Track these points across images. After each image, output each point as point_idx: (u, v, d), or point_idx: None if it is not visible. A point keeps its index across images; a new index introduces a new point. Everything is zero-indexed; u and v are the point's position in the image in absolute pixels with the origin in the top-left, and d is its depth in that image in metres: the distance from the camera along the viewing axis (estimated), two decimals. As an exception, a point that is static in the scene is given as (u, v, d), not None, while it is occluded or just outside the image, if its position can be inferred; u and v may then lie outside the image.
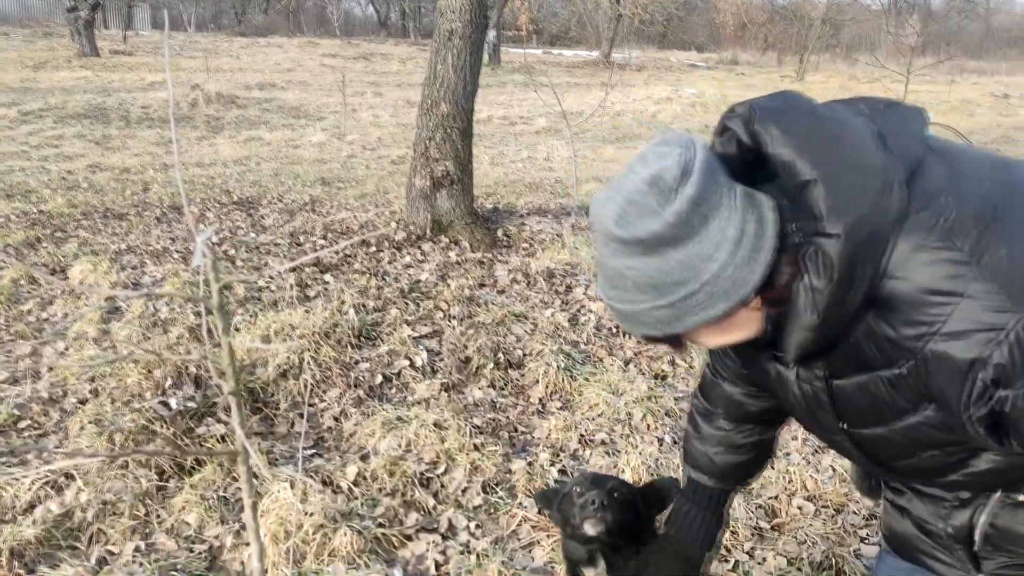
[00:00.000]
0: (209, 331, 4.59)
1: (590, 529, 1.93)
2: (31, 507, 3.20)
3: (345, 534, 3.01)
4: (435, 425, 3.75)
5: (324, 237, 6.36)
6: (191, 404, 3.69)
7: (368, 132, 15.14)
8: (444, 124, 6.58)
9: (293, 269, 5.26)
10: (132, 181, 9.36)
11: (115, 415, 3.65)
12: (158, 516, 3.16)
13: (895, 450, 1.42)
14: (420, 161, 6.58)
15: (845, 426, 1.46)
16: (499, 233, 6.77)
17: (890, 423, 1.37)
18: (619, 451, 3.74)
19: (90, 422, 3.66)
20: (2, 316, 4.81)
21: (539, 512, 3.22)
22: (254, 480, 3.23)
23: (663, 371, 4.52)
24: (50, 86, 18.13)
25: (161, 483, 3.33)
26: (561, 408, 4.12)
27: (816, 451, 3.70)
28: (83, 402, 3.91)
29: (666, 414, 4.06)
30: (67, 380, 4.10)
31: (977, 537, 1.47)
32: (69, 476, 3.36)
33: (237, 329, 4.49)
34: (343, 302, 4.83)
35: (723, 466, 1.85)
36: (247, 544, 3.02)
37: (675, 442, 3.85)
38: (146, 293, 1.39)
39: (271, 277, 5.24)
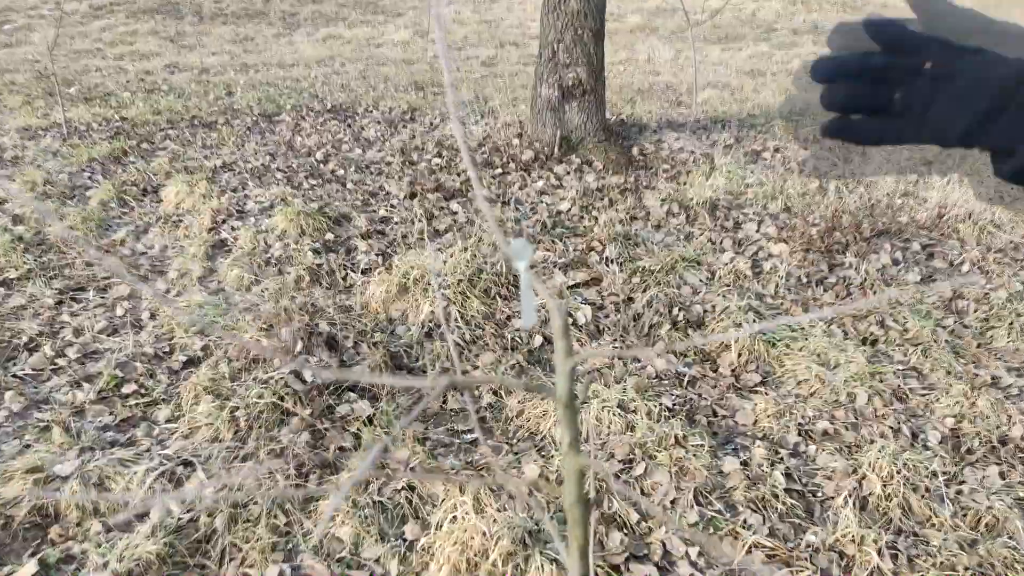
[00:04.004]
0: (330, 271, 3.92)
1: None
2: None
3: (541, 567, 2.37)
4: (619, 407, 3.05)
5: (439, 155, 5.59)
6: (327, 374, 3.03)
7: (452, 30, 14.13)
8: (575, 24, 5.67)
9: (423, 206, 4.52)
10: (213, 84, 8.65)
11: (235, 383, 3.04)
12: (302, 527, 2.55)
13: None
14: (547, 67, 5.71)
15: None
16: (634, 152, 5.91)
17: None
18: (850, 446, 3.01)
19: (206, 390, 3.05)
20: (93, 247, 4.20)
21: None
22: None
23: (872, 334, 3.72)
24: (119, -23, 17.35)
25: (300, 478, 2.72)
26: (761, 383, 3.38)
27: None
28: (193, 362, 3.31)
29: (895, 396, 3.29)
30: (173, 332, 3.49)
31: None
32: (188, 464, 2.76)
33: (366, 271, 3.81)
34: (481, 240, 4.10)
35: None
36: (417, 573, 2.39)
37: (915, 435, 3.10)
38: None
39: (392, 206, 4.53)
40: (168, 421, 3.00)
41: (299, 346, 3.10)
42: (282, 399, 2.90)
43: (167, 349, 3.41)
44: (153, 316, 3.63)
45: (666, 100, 9.10)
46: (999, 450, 3.03)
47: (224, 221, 4.37)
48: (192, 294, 3.73)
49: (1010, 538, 2.60)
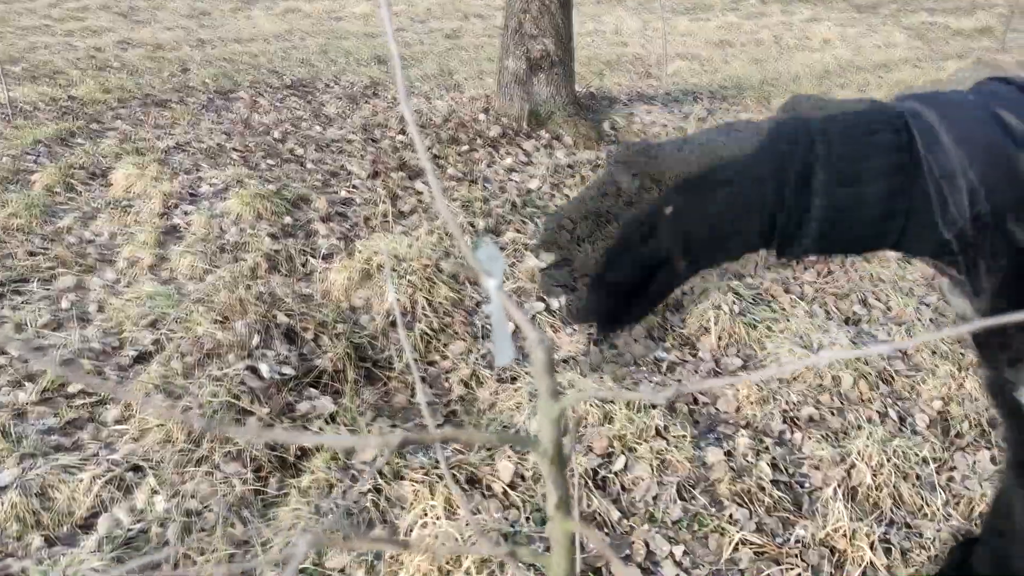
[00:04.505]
0: (289, 257, 3.73)
1: None
2: (93, 516, 2.44)
3: (518, 570, 2.22)
4: (596, 397, 2.90)
5: (403, 132, 5.38)
6: (286, 370, 2.85)
7: (415, 2, 13.81)
8: (541, -7, 5.47)
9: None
10: (167, 60, 8.32)
11: (188, 380, 2.84)
12: (260, 536, 2.38)
13: None
14: (513, 39, 5.51)
15: None
16: (605, 126, 5.74)
17: None
18: (836, 433, 2.90)
19: (157, 388, 2.85)
20: (37, 236, 3.95)
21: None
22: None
23: (855, 314, 3.61)
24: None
25: (259, 484, 2.54)
26: (742, 367, 3.25)
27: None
28: (144, 357, 3.11)
29: (881, 379, 3.18)
30: (122, 326, 3.28)
31: None
32: (137, 469, 2.58)
33: (327, 256, 3.62)
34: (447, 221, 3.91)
35: None
36: (386, 583, 2.24)
37: (903, 419, 2.99)
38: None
39: (354, 186, 4.33)
40: (117, 422, 2.81)
41: (256, 339, 2.91)
42: (238, 397, 2.71)
43: (116, 344, 3.20)
44: (101, 309, 3.41)
45: (635, 72, 8.95)
46: (989, 434, 2.93)
47: (176, 205, 4.14)
48: (142, 284, 3.51)
49: (1004, 527, 2.50)
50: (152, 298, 3.37)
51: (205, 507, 2.44)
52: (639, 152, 0.61)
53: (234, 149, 5.01)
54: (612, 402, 2.89)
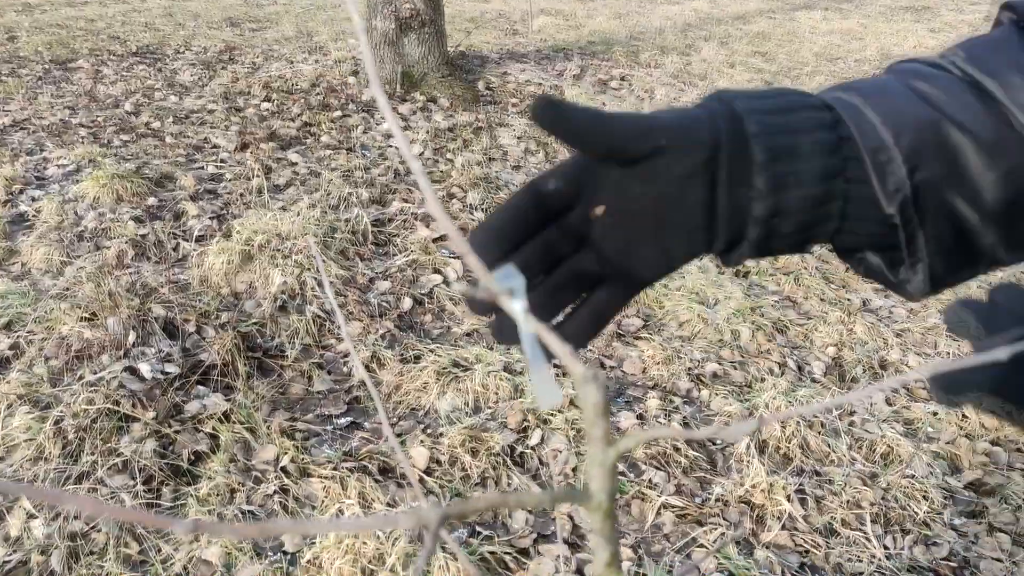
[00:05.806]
0: (158, 242, 3.44)
1: None
2: (-41, 550, 2.17)
3: (446, 565, 2.12)
4: (505, 370, 2.82)
5: (268, 99, 5.06)
6: (170, 367, 2.61)
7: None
8: (406, -52, 5.24)
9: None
10: (-9, 27, 7.55)
11: (57, 388, 2.57)
12: (159, 552, 2.18)
13: None
14: (380, -3, 5.26)
15: None
16: (480, 86, 5.60)
17: None
18: (741, 387, 2.93)
19: (20, 399, 2.56)
20: None
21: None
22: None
23: (744, 265, 3.67)
24: None
25: (151, 495, 2.32)
26: (643, 327, 3.24)
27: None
28: (1, 363, 2.79)
29: (776, 329, 3.24)
30: (-29, 330, 2.93)
31: None
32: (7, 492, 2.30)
33: (201, 238, 3.35)
34: (329, 193, 3.71)
35: None
36: (305, 590, 2.09)
37: (801, 368, 3.06)
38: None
39: (222, 160, 4.03)
40: (-24, 441, 2.50)
41: (132, 337, 2.66)
42: (118, 403, 2.47)
43: (-35, 351, 2.86)
44: (-57, 312, 3.03)
45: (501, 29, 8.80)
46: (881, 376, 3.04)
47: (21, 191, 3.73)
48: (-10, 282, 3.15)
49: (899, 463, 2.60)
50: (3, 297, 3.03)
51: (92, 527, 2.21)
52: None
53: (81, 125, 4.57)
54: (522, 373, 2.82)
